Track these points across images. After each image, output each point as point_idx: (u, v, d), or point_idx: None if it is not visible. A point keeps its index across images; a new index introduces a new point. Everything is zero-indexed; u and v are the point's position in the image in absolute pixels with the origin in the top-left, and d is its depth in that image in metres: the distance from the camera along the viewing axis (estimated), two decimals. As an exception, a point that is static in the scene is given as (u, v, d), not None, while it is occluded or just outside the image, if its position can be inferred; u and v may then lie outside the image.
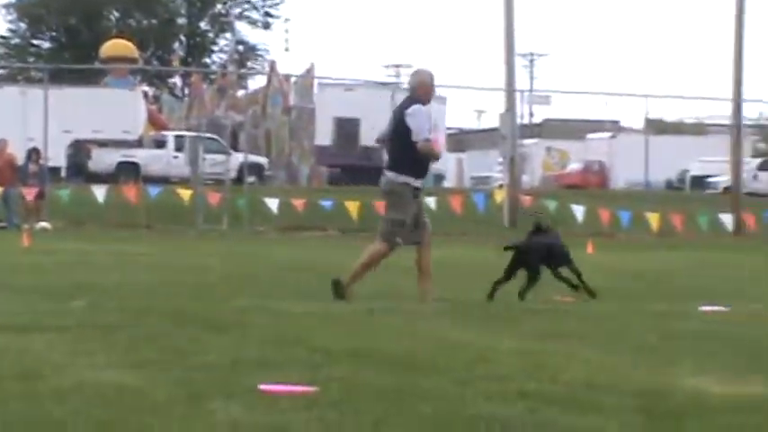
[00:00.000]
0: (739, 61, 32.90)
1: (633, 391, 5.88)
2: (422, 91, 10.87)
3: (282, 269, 15.23)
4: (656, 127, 51.24)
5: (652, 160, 34.43)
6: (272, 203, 28.16)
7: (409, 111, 10.64)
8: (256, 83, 55.29)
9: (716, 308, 10.61)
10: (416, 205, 11.15)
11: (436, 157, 11.09)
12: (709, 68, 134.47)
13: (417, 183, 11.00)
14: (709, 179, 47.34)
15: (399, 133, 10.73)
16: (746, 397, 5.86)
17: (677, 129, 65.58)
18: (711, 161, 47.53)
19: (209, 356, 6.80)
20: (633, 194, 37.85)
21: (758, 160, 46.74)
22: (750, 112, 50.41)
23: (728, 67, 33.45)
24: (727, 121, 38.55)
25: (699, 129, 64.08)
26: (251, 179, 33.99)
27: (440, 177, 49.92)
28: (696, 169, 49.70)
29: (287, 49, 51.41)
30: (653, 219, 28.50)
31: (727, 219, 30.10)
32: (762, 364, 6.99)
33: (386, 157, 11.46)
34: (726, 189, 38.39)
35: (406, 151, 10.69)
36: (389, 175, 10.96)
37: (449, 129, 59.60)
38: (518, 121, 33.67)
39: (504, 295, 11.41)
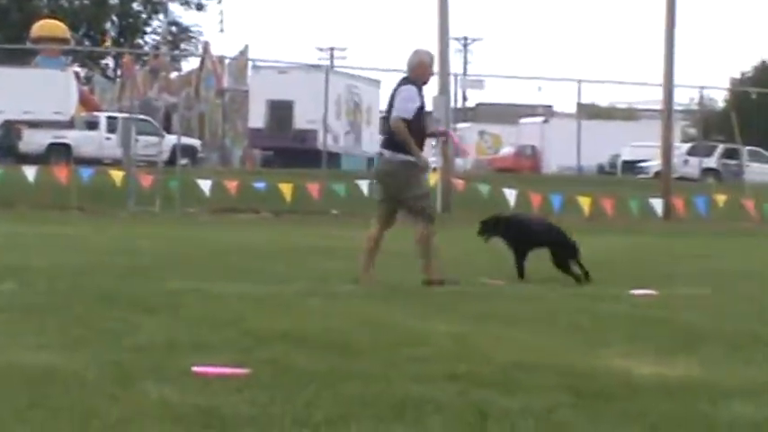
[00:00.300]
0: (670, 47, 33.22)
1: (563, 372, 5.95)
2: (419, 71, 10.82)
3: (215, 251, 15.19)
4: (589, 112, 51.61)
5: (584, 145, 34.77)
6: (205, 185, 28.05)
7: (399, 90, 10.61)
8: (190, 64, 54.96)
9: (645, 291, 10.75)
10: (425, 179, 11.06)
11: (404, 140, 10.55)
12: (640, 54, 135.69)
13: (413, 159, 10.76)
14: (641, 164, 47.81)
15: (391, 112, 10.70)
16: (673, 378, 5.95)
17: (609, 114, 66.13)
18: (643, 146, 47.99)
19: (141, 338, 6.79)
20: (565, 179, 38.15)
21: (688, 145, 47.24)
22: (681, 98, 50.90)
23: (660, 53, 33.78)
24: (658, 107, 38.91)
25: (630, 114, 64.67)
26: (184, 161, 33.81)
27: (373, 161, 49.99)
28: (627, 154, 50.16)
29: (221, 31, 51.20)
30: (584, 203, 28.76)
31: (657, 203, 30.43)
32: (688, 347, 7.10)
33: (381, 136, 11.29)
34: (656, 174, 38.80)
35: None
36: (386, 154, 10.88)
37: (382, 112, 59.62)
38: (451, 104, 33.76)
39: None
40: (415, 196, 10.84)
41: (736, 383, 5.86)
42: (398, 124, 10.58)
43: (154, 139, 34.21)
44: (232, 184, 28.11)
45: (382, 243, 11.00)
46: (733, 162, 44.51)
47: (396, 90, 10.72)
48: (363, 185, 28.92)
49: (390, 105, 10.79)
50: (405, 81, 10.77)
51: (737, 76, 59.71)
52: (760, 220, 30.25)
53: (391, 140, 10.79)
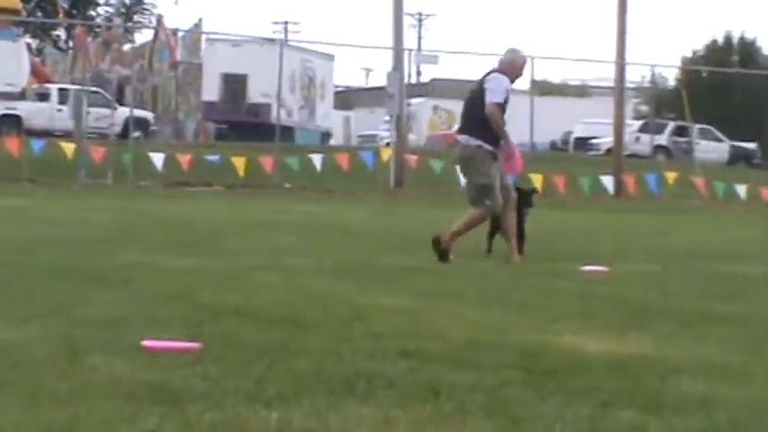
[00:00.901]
0: (623, 25, 33.37)
1: (513, 349, 5.97)
2: (510, 69, 11.06)
3: (167, 225, 15.12)
4: (541, 89, 51.75)
5: (537, 122, 34.82)
6: (158, 159, 27.90)
7: (491, 76, 10.82)
8: (143, 37, 54.55)
9: (596, 268, 10.82)
10: (497, 168, 11.06)
11: (497, 125, 10.80)
12: (593, 31, 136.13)
13: (490, 147, 10.89)
14: (592, 141, 48.02)
15: (475, 98, 10.89)
16: (623, 355, 5.99)
17: (562, 91, 66.36)
18: (595, 123, 48.19)
19: (91, 312, 6.75)
20: (518, 155, 38.21)
21: (639, 123, 47.49)
22: (633, 75, 51.21)
23: (612, 31, 33.90)
24: (610, 84, 39.08)
25: (583, 91, 64.95)
26: (136, 134, 33.60)
27: (327, 135, 49.90)
28: (580, 131, 50.35)
29: (176, 3, 50.68)
30: (536, 180, 28.84)
31: (608, 180, 30.60)
32: (639, 324, 7.15)
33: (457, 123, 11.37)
34: (608, 151, 39.00)
35: (480, 115, 10.76)
36: (461, 139, 11.05)
37: (336, 87, 59.51)
38: (405, 80, 33.75)
39: (386, 253, 11.50)
40: (477, 186, 10.99)
41: (685, 360, 5.91)
42: (494, 109, 10.77)
43: (105, 111, 33.96)
44: (185, 158, 27.98)
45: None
46: (683, 140, 44.81)
47: (486, 77, 10.89)
48: (316, 160, 28.89)
49: (472, 92, 10.98)
50: (496, 71, 10.95)
51: (689, 54, 60.03)
52: (709, 197, 30.51)
53: (469, 125, 10.94)
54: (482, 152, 10.88)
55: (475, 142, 10.90)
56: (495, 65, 11.36)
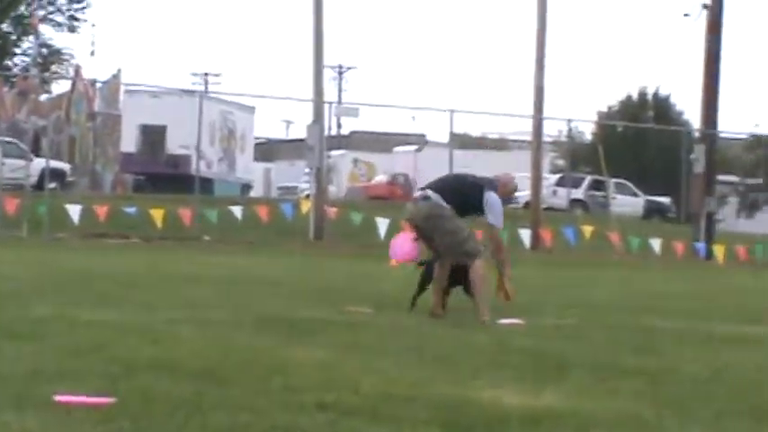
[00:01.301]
0: (540, 80, 33.79)
1: (430, 403, 5.98)
2: (503, 189, 11.54)
3: (83, 277, 14.95)
4: (461, 141, 52.19)
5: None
6: (74, 210, 27.62)
7: (491, 196, 11.24)
8: (61, 87, 54.13)
9: (513, 321, 10.87)
10: None
11: (499, 248, 11.70)
12: (512, 85, 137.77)
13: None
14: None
15: (466, 183, 11.40)
16: (540, 408, 6.02)
17: (481, 144, 66.93)
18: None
19: (2, 366, 6.64)
20: (437, 208, 38.36)
21: (557, 176, 48.01)
22: (550, 129, 51.70)
23: (530, 85, 34.31)
24: (528, 138, 39.50)
25: (501, 144, 65.58)
26: (52, 185, 33.24)
27: (247, 187, 49.79)
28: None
29: (92, 54, 50.34)
30: (455, 232, 29.00)
31: (525, 234, 30.82)
32: (555, 377, 7.20)
33: (420, 186, 11.69)
34: (526, 204, 39.34)
35: (464, 198, 11.20)
36: (434, 196, 11.21)
37: (257, 138, 59.47)
38: (325, 132, 33.83)
39: (305, 306, 11.47)
40: (455, 230, 11.24)
41: (600, 414, 5.95)
42: (498, 233, 11.56)
43: (21, 162, 33.57)
44: (102, 210, 27.73)
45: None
46: (600, 194, 45.36)
47: (484, 187, 11.28)
48: (236, 211, 28.79)
49: (466, 186, 11.38)
50: (491, 186, 11.36)
51: (605, 109, 60.90)
52: (624, 251, 30.85)
53: (447, 194, 11.18)
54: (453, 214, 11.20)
55: (448, 206, 11.17)
56: (490, 178, 11.69)
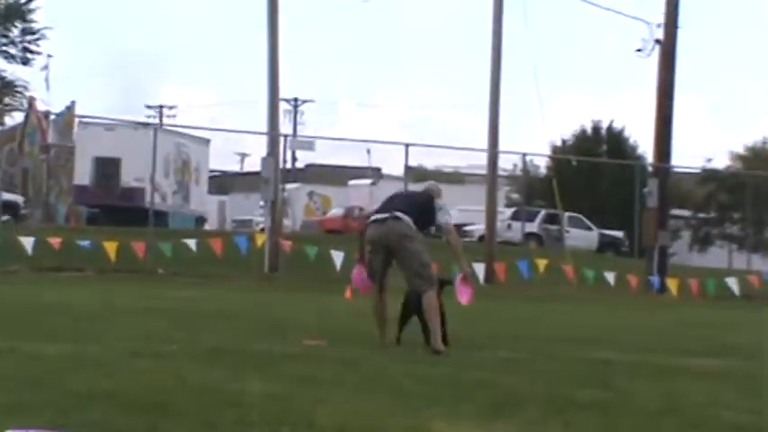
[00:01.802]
0: (495, 114, 34.01)
1: (385, 435, 5.99)
2: (438, 197, 11.88)
3: (35, 310, 14.84)
4: (416, 175, 52.34)
5: (411, 208, 35.00)
6: (28, 242, 27.43)
7: (440, 201, 11.72)
8: (14, 119, 53.81)
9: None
10: None
11: (457, 244, 12.10)
12: (466, 119, 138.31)
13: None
14: (465, 227, 48.56)
15: (417, 199, 11.79)
16: (493, 440, 6.05)
17: (436, 177, 66.94)
18: (468, 210, 48.80)
19: (-46, 400, 6.58)
20: (392, 241, 38.40)
21: (511, 210, 48.24)
22: (505, 163, 52.07)
23: (485, 119, 34.50)
24: (483, 171, 39.68)
25: (457, 177, 65.84)
26: (5, 217, 33.02)
27: (201, 220, 49.68)
28: (453, 218, 50.85)
29: (48, 89, 50.09)
30: (410, 265, 29.04)
31: (479, 267, 30.91)
32: (508, 410, 7.23)
33: (382, 208, 11.67)
34: (481, 238, 39.47)
35: (423, 215, 11.51)
36: (399, 215, 11.39)
37: (211, 171, 59.41)
38: (281, 165, 33.84)
39: (259, 339, 11.45)
40: (423, 261, 11.41)
41: (553, 445, 5.98)
42: (454, 229, 11.92)
43: (-27, 194, 33.35)
44: (56, 241, 27.55)
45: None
46: (554, 227, 45.62)
47: (430, 200, 11.67)
48: (191, 244, 28.70)
49: (419, 196, 11.81)
50: (431, 197, 11.79)
51: (559, 143, 61.32)
52: (578, 284, 31.00)
53: (406, 210, 11.40)
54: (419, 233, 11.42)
55: (413, 224, 11.35)
56: (421, 188, 12.06)
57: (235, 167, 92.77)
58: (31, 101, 49.62)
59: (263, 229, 35.01)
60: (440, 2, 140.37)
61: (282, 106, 67.03)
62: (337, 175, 66.90)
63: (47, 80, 49.20)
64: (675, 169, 40.86)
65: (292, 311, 17.09)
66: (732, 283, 32.58)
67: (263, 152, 32.80)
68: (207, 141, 49.34)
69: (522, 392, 8.14)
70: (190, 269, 28.55)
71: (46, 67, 48.67)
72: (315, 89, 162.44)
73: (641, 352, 12.32)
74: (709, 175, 55.44)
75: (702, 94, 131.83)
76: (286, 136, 42.69)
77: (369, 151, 72.51)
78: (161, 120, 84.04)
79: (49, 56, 55.78)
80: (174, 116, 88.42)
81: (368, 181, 58.65)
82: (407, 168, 37.38)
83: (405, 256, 11.29)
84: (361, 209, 54.62)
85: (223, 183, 75.58)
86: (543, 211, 47.78)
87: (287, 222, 45.01)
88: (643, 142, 64.76)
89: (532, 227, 45.68)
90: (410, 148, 35.23)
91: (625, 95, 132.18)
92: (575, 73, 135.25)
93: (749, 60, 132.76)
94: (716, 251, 53.07)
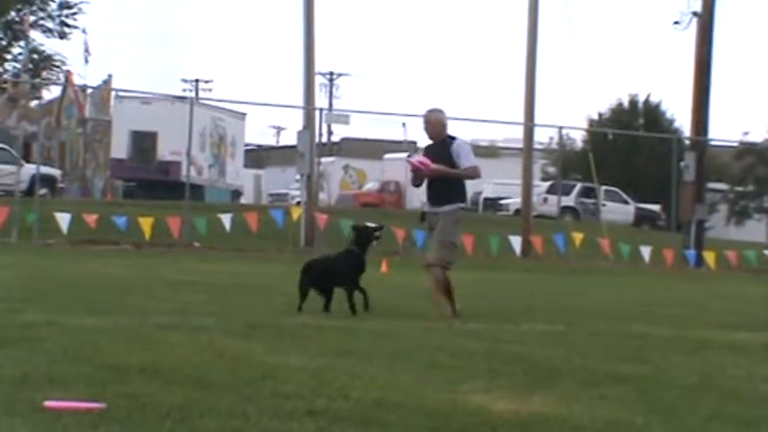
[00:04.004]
0: (531, 87, 33.84)
1: (420, 409, 5.99)
2: (441, 129, 12.07)
3: (73, 283, 14.93)
4: (452, 148, 52.11)
5: (447, 181, 34.94)
6: (65, 216, 27.57)
7: (456, 142, 11.98)
8: (52, 93, 54.09)
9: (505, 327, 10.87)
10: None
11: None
12: (502, 93, 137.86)
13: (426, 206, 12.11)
14: (501, 201, 48.44)
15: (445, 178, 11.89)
16: (529, 414, 6.04)
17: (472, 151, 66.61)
18: (504, 183, 48.65)
19: (-8, 372, 6.63)
20: (428, 215, 38.38)
21: (547, 184, 48.07)
22: (541, 137, 51.81)
23: (521, 93, 34.38)
24: (519, 145, 39.54)
25: (492, 151, 65.63)
26: (43, 191, 33.21)
27: (237, 194, 49.80)
28: (489, 191, 50.80)
29: (86, 61, 50.20)
30: (446, 239, 28.99)
31: (516, 241, 30.84)
32: (544, 383, 7.22)
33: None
34: (517, 211, 39.35)
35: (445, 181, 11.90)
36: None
37: (247, 145, 59.48)
38: (316, 139, 33.83)
39: (295, 312, 11.47)
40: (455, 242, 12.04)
41: (589, 420, 5.97)
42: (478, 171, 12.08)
43: (11, 167, 33.55)
44: (92, 217, 27.68)
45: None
46: (590, 201, 45.44)
47: (457, 145, 11.86)
48: (226, 219, 28.77)
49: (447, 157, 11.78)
50: (452, 139, 11.98)
51: (595, 116, 60.98)
52: (615, 258, 30.89)
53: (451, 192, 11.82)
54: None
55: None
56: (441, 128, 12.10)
57: (270, 141, 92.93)
58: (69, 75, 49.88)
59: (298, 203, 35.05)
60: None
61: (318, 80, 67.07)
62: (373, 148, 66.84)
63: (86, 51, 49.15)
64: (713, 143, 40.56)
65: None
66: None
67: (299, 126, 32.81)
68: (243, 115, 49.38)
69: (558, 366, 8.12)
70: (225, 243, 28.64)
71: (87, 51, 48.67)
72: (350, 62, 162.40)
73: (677, 326, 12.26)
74: (746, 149, 55.04)
75: (741, 67, 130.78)
76: (321, 109, 42.60)
77: (404, 125, 72.43)
78: (197, 93, 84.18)
79: (84, 30, 55.88)
80: (210, 90, 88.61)
81: (404, 155, 58.53)
82: (443, 142, 37.24)
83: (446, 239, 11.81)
84: (396, 183, 54.60)
85: (259, 156, 75.71)
86: (579, 185, 47.57)
87: (322, 196, 45.02)
88: (680, 116, 64.38)
89: (569, 200, 45.51)
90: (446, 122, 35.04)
91: (662, 69, 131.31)
92: (613, 45, 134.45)
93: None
94: (753, 225, 52.75)
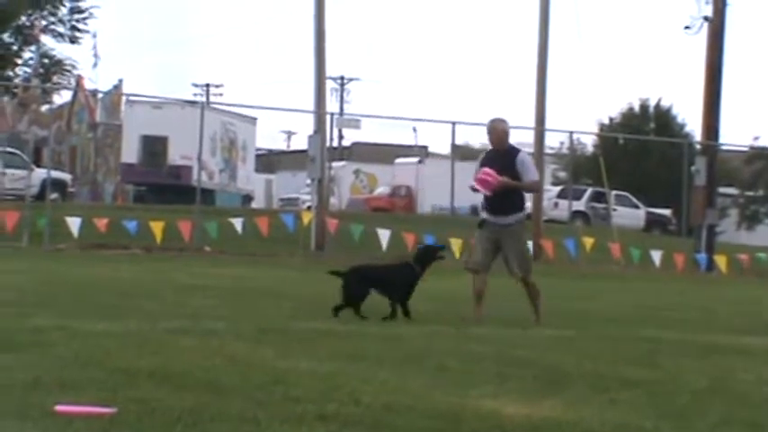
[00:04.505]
0: (542, 92, 33.84)
1: (430, 413, 5.99)
2: (503, 137, 12.52)
3: (84, 288, 14.96)
4: (463, 153, 52.20)
5: (458, 186, 35.01)
6: (75, 221, 27.63)
7: (520, 156, 12.37)
8: (62, 98, 54.19)
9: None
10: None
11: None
12: (513, 97, 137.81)
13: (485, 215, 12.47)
14: (512, 206, 48.22)
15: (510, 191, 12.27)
16: (539, 419, 6.04)
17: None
18: (514, 188, 48.42)
19: (2, 376, 6.65)
20: (439, 219, 38.47)
21: (558, 188, 48.02)
22: (551, 141, 51.77)
23: (532, 97, 34.40)
24: (529, 150, 39.51)
25: (503, 156, 65.34)
26: (53, 195, 33.29)
27: (248, 198, 49.84)
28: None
29: (95, 65, 50.33)
30: (455, 244, 28.98)
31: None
32: (554, 388, 7.22)
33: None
34: (528, 216, 39.31)
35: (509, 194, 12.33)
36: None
37: (258, 150, 59.53)
38: (327, 143, 33.85)
39: (305, 317, 11.49)
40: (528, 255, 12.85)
41: (598, 424, 5.97)
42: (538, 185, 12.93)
43: (22, 172, 33.63)
44: (102, 221, 27.73)
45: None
46: (601, 206, 45.38)
47: (522, 157, 12.27)
48: (237, 223, 28.81)
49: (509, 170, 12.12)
50: (517, 151, 12.41)
51: (606, 121, 60.91)
52: (625, 263, 30.85)
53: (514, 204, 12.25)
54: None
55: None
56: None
57: (281, 146, 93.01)
58: (79, 79, 49.95)
59: (309, 208, 35.07)
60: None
61: (329, 84, 67.07)
62: (384, 153, 66.82)
63: (96, 55, 49.27)
64: (723, 147, 40.50)
65: (338, 290, 17.10)
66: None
67: (310, 130, 32.83)
68: (253, 120, 49.42)
69: (568, 371, 8.13)
70: (236, 247, 28.67)
71: (96, 55, 48.78)
72: (361, 67, 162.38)
73: (688, 330, 12.25)
74: (757, 153, 54.94)
75: (751, 72, 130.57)
76: (332, 114, 42.63)
77: (415, 129, 72.45)
78: (208, 98, 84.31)
79: (95, 35, 55.98)
80: (221, 95, 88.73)
81: (414, 159, 58.55)
82: (454, 146, 37.31)
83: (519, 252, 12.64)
84: (407, 187, 54.58)
85: (270, 161, 75.77)
86: (590, 190, 47.52)
87: (333, 201, 45.05)
88: (691, 120, 64.28)
89: (579, 205, 45.44)
90: (457, 126, 35.08)
91: (673, 73, 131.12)
92: (623, 50, 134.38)
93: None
94: (764, 229, 52.63)
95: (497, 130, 12.33)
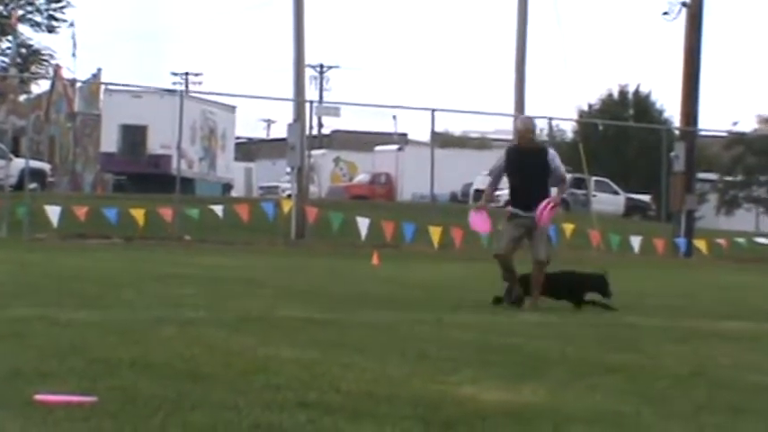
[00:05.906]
0: (521, 78, 33.89)
1: (411, 400, 6.00)
2: (531, 135, 13.16)
3: (63, 277, 14.92)
4: (442, 140, 52.25)
5: (437, 173, 35.05)
6: (55, 210, 27.54)
7: (550, 153, 13.03)
8: (40, 87, 53.98)
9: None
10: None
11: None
12: (493, 84, 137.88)
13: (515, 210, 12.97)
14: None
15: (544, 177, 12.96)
16: (519, 404, 6.05)
17: (462, 143, 66.96)
18: (495, 175, 48.47)
19: (-18, 367, 6.62)
20: (418, 207, 38.48)
21: (538, 175, 47.96)
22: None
23: (511, 84, 34.42)
24: (509, 136, 39.56)
25: (483, 143, 65.67)
26: (32, 185, 33.16)
27: (228, 187, 49.77)
28: (479, 183, 50.78)
29: (74, 55, 50.16)
30: (435, 233, 29.00)
31: (506, 232, 30.80)
32: (535, 373, 7.23)
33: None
34: (507, 203, 39.33)
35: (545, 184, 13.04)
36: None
37: (238, 138, 59.42)
38: (306, 131, 33.81)
39: (286, 305, 11.49)
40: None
41: (579, 409, 5.98)
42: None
43: (0, 162, 33.49)
44: (82, 210, 27.65)
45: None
46: (580, 192, 45.46)
47: (553, 155, 12.83)
48: (217, 211, 28.76)
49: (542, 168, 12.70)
50: (547, 150, 13.04)
51: (585, 107, 60.98)
52: (605, 249, 30.92)
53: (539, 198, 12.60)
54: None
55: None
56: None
57: (261, 134, 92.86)
58: (57, 69, 49.74)
59: (289, 196, 35.04)
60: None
61: (308, 72, 66.93)
62: (363, 141, 66.83)
63: (74, 49, 49.10)
64: (702, 133, 40.61)
65: (318, 278, 17.11)
66: (763, 240, 32.46)
67: (289, 119, 32.81)
68: (233, 108, 49.33)
69: (549, 356, 8.14)
70: (216, 236, 28.64)
71: (74, 46, 48.60)
72: (341, 55, 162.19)
73: (668, 315, 12.29)
74: (735, 139, 55.10)
75: (730, 58, 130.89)
76: (312, 102, 42.58)
77: (395, 117, 72.43)
78: (187, 86, 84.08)
79: (72, 24, 55.77)
80: (200, 83, 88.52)
81: (394, 147, 58.56)
82: (434, 134, 37.29)
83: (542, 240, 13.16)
84: (387, 175, 54.61)
85: (249, 149, 75.68)
86: (569, 176, 47.57)
87: (313, 189, 45.00)
88: (670, 106, 64.27)
89: (559, 191, 45.46)
90: (436, 114, 35.09)
91: (652, 59, 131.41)
92: (602, 37, 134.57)
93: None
94: (743, 214, 52.84)
95: (530, 128, 12.96)
